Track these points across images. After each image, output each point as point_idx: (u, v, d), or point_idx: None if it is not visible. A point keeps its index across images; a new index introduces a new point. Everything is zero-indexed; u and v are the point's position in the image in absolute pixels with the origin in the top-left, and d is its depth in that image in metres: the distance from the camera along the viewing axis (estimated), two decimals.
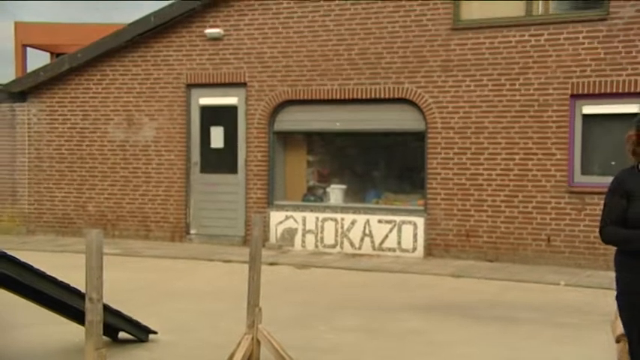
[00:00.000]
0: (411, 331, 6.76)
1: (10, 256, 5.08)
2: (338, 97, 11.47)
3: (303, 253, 11.46)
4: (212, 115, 12.42)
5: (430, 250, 11.00)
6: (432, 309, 7.74)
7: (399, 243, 11.15)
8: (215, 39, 12.14)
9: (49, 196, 13.34)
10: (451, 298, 8.34)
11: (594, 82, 10.11)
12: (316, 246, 11.61)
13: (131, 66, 12.77)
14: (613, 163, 10.19)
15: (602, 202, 10.56)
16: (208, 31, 12.13)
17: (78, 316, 5.38)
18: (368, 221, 11.33)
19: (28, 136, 13.42)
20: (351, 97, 11.39)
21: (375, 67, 11.22)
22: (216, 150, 12.41)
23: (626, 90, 9.96)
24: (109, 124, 12.94)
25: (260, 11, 11.88)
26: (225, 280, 9.36)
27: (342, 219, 11.48)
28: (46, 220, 13.37)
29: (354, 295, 8.50)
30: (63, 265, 6.99)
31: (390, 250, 11.18)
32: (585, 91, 10.17)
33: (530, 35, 10.42)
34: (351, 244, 11.41)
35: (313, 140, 12.48)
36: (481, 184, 10.71)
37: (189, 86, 12.44)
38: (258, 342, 5.33)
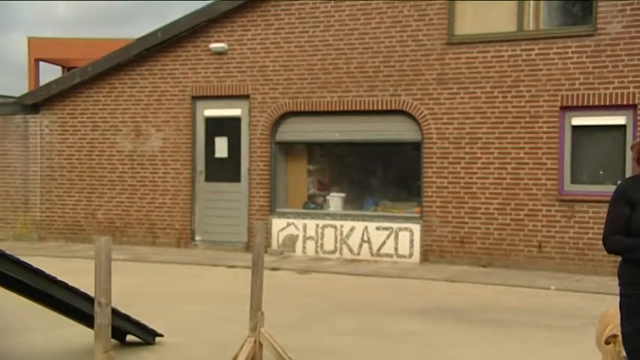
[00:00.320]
0: (408, 334, 6.75)
1: (23, 261, 5.08)
2: (337, 109, 11.49)
3: (304, 258, 11.45)
4: (216, 126, 12.43)
5: (426, 256, 10.98)
6: (428, 312, 7.72)
7: (396, 249, 11.14)
8: (219, 53, 12.17)
9: (60, 204, 13.34)
10: (446, 302, 8.32)
11: (583, 94, 10.13)
12: (316, 252, 11.60)
13: (139, 79, 12.79)
14: (601, 172, 10.22)
15: (592, 209, 10.63)
16: (213, 45, 12.16)
17: (87, 320, 5.36)
18: (366, 228, 11.32)
19: (41, 147, 13.43)
20: (349, 108, 11.40)
21: (372, 80, 11.24)
22: (221, 159, 12.41)
23: (613, 102, 9.97)
24: (118, 135, 12.95)
25: (262, 27, 11.91)
26: (228, 284, 9.34)
27: (342, 226, 11.48)
28: (57, 227, 13.37)
29: (353, 299, 8.49)
30: (73, 270, 6.98)
31: (387, 255, 11.17)
32: (574, 104, 10.18)
33: (522, 50, 10.44)
34: (350, 250, 11.40)
35: (313, 150, 12.48)
36: (475, 193, 10.71)
37: (195, 98, 12.46)
38: (261, 344, 5.32)
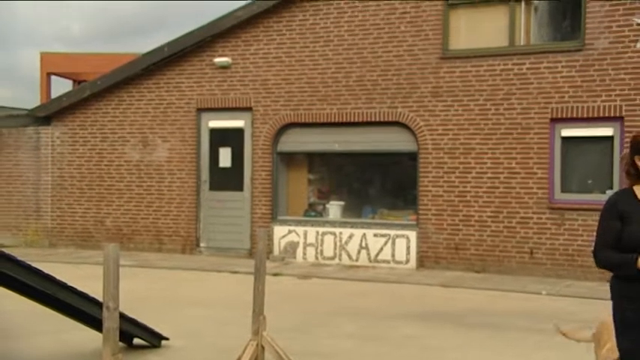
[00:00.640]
0: (406, 337, 6.72)
1: (34, 267, 5.07)
2: (336, 121, 11.49)
3: (305, 264, 11.42)
4: (220, 137, 12.43)
5: (422, 262, 10.96)
6: (424, 317, 7.70)
7: (393, 255, 11.11)
8: (223, 67, 12.18)
9: (70, 212, 13.32)
10: (442, 307, 8.30)
11: (572, 107, 10.13)
12: (316, 258, 11.57)
13: (146, 92, 12.80)
14: (590, 181, 10.21)
15: (581, 217, 10.61)
16: (217, 60, 12.18)
17: (96, 323, 5.34)
18: (364, 235, 11.30)
19: (52, 157, 13.43)
20: (348, 120, 11.41)
21: (370, 93, 11.25)
22: (224, 169, 12.41)
23: (601, 115, 9.98)
24: (126, 146, 12.95)
25: (265, 42, 11.93)
26: (232, 289, 9.31)
27: (341, 233, 11.46)
28: (67, 234, 13.34)
29: (351, 304, 8.46)
30: (82, 275, 6.96)
31: (384, 262, 11.15)
32: (564, 116, 10.19)
33: (513, 64, 10.46)
34: (349, 257, 11.38)
35: (314, 160, 12.48)
36: (469, 201, 10.70)
37: (200, 110, 12.46)
38: (263, 348, 5.30)
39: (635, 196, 3.44)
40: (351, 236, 11.39)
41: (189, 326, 7.00)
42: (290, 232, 11.78)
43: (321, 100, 11.56)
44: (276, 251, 11.78)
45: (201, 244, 12.52)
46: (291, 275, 10.37)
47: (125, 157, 12.95)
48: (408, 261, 11.02)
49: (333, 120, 11.51)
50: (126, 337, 5.90)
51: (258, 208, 12.03)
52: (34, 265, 5.17)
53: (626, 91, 9.86)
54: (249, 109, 12.08)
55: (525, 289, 9.34)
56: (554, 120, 10.26)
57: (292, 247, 11.74)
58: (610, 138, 10.02)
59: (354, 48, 11.34)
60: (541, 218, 10.29)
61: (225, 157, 12.40)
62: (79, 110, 13.27)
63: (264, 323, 5.30)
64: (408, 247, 11.02)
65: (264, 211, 11.99)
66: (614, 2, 9.90)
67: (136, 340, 6.12)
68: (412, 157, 11.18)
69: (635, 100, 9.82)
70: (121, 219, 12.97)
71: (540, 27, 11.15)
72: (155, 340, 6.16)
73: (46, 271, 5.23)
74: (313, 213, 12.09)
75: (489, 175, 10.59)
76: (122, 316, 4.81)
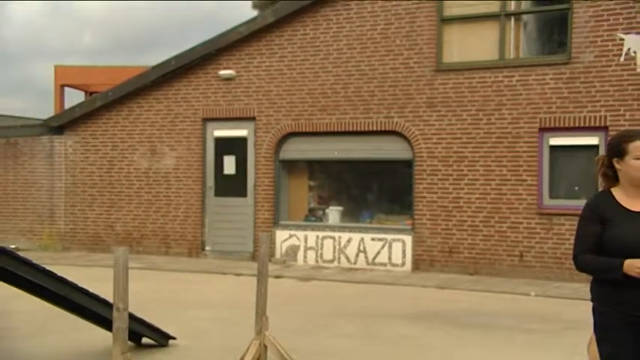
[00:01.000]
0: (402, 337, 6.70)
1: (48, 270, 5.06)
2: (336, 130, 11.49)
3: (305, 267, 11.40)
4: (225, 146, 12.43)
5: (417, 265, 10.94)
6: (420, 317, 7.68)
7: (389, 258, 11.10)
8: (228, 79, 12.19)
9: (83, 217, 13.31)
10: (437, 308, 8.28)
11: (559, 117, 10.14)
12: (316, 261, 11.55)
13: (154, 103, 12.81)
14: (577, 188, 10.21)
15: (568, 222, 10.58)
16: (222, 72, 12.19)
17: (106, 323, 5.33)
18: (362, 239, 11.29)
19: (65, 165, 13.43)
20: (347, 129, 11.41)
21: (368, 104, 11.26)
22: (229, 176, 12.40)
23: (587, 124, 9.99)
24: (135, 154, 12.95)
25: (267, 55, 11.95)
26: (236, 291, 9.30)
27: (340, 237, 11.44)
28: (80, 238, 13.33)
29: (350, 305, 8.44)
30: (93, 277, 6.94)
31: (381, 264, 11.13)
32: (552, 125, 10.20)
33: (504, 76, 10.47)
34: (348, 260, 11.36)
35: (314, 167, 12.48)
36: (462, 207, 10.69)
37: (205, 120, 12.47)
38: (265, 347, 5.28)
39: (614, 198, 3.26)
40: (349, 240, 11.37)
41: (194, 326, 6.98)
42: (291, 236, 11.76)
43: (321, 110, 11.57)
44: (278, 254, 11.76)
45: (207, 248, 12.50)
46: (292, 277, 10.35)
47: (134, 165, 12.95)
48: (404, 264, 11.00)
49: (332, 129, 11.51)
50: (135, 336, 5.88)
51: (260, 214, 12.02)
52: (48, 267, 5.16)
53: (611, 102, 9.88)
54: (252, 118, 12.09)
55: (516, 290, 9.32)
56: (543, 129, 10.27)
57: (293, 250, 11.72)
58: (595, 147, 10.02)
59: (352, 61, 11.36)
60: (530, 223, 10.28)
61: (229, 165, 12.40)
62: (90, 120, 13.27)
63: (267, 323, 5.29)
64: (404, 251, 11.01)
65: (266, 216, 11.98)
66: (598, 18, 9.93)
67: (145, 340, 6.10)
68: (408, 164, 11.18)
69: (619, 110, 9.83)
70: (130, 224, 12.96)
71: (529, 41, 11.17)
72: (163, 339, 6.15)
73: (59, 273, 5.22)
74: (313, 218, 12.08)
75: (481, 181, 10.58)
76: (131, 317, 4.80)
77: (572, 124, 10.07)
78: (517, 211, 10.37)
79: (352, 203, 12.04)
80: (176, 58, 12.48)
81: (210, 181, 12.51)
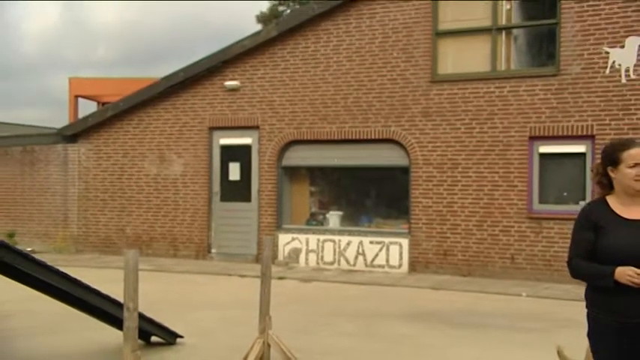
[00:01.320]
0: (400, 336, 6.68)
1: (64, 273, 5.06)
2: (336, 138, 11.50)
3: (307, 269, 11.38)
4: (230, 153, 12.44)
5: (414, 267, 10.93)
6: (416, 316, 7.66)
7: (387, 260, 11.08)
8: (233, 90, 12.21)
9: (95, 221, 13.30)
10: (433, 308, 8.26)
11: (548, 126, 10.14)
12: (317, 263, 11.54)
13: (163, 112, 12.82)
14: (565, 193, 10.20)
15: (557, 226, 10.56)
16: (227, 83, 12.21)
17: (117, 323, 5.32)
18: (361, 242, 11.27)
19: (78, 171, 13.43)
20: (346, 137, 11.42)
21: (366, 113, 11.27)
22: (234, 182, 12.40)
23: (575, 133, 9.99)
24: (145, 161, 12.95)
25: (270, 67, 11.96)
26: (240, 292, 9.28)
27: (340, 240, 11.43)
28: (92, 241, 13.32)
29: (350, 305, 8.42)
30: (105, 279, 6.93)
31: (379, 266, 11.11)
32: (541, 134, 10.19)
33: (496, 87, 10.48)
34: (347, 262, 11.34)
35: (315, 174, 12.47)
36: (456, 211, 10.68)
37: (212, 129, 12.48)
38: (269, 345, 5.27)
39: (609, 206, 3.16)
40: (349, 243, 11.36)
41: (201, 325, 6.97)
42: (293, 239, 11.75)
43: (322, 119, 11.58)
44: (280, 257, 11.75)
45: (213, 250, 12.49)
46: (294, 279, 10.33)
47: (144, 172, 12.95)
48: (401, 266, 10.98)
49: (332, 137, 11.51)
50: (144, 335, 5.87)
51: (264, 218, 12.01)
52: (62, 269, 5.16)
53: (597, 112, 9.88)
54: (256, 127, 12.10)
55: (507, 291, 9.30)
56: (533, 138, 10.26)
57: (295, 253, 11.71)
58: (583, 154, 10.02)
59: (352, 72, 11.37)
60: (521, 227, 10.27)
61: (234, 171, 12.40)
62: (102, 129, 13.29)
63: (270, 323, 5.28)
64: (401, 253, 10.99)
65: (269, 220, 11.97)
66: (585, 33, 9.94)
67: (154, 338, 6.09)
68: (404, 171, 11.18)
69: (604, 120, 9.83)
70: (140, 227, 12.95)
71: (519, 54, 11.19)
72: (171, 338, 6.13)
73: (72, 274, 5.21)
74: (314, 222, 12.07)
75: (474, 187, 10.58)
76: (141, 316, 4.79)
77: (560, 133, 10.07)
78: (508, 215, 10.35)
79: (352, 208, 12.03)
80: (184, 70, 12.50)
81: (216, 187, 12.51)
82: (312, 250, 11.60)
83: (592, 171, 3.32)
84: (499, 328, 7.09)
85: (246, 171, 12.29)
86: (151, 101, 12.86)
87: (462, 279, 10.32)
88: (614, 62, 9.77)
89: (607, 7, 9.84)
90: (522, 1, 10.97)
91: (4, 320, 6.77)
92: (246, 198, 12.25)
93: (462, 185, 10.64)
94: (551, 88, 10.13)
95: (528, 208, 10.25)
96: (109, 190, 13.21)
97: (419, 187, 10.92)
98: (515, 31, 10.98)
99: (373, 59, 11.21)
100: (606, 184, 3.23)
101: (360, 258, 11.25)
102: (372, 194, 12.12)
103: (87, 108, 20.75)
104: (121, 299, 4.40)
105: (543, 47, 10.88)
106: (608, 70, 9.82)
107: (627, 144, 3.16)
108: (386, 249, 11.10)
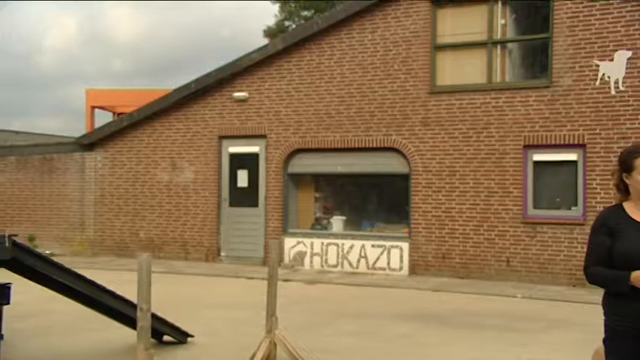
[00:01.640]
0: (400, 335, 6.68)
1: (81, 275, 5.08)
2: (339, 146, 11.51)
3: (311, 271, 11.38)
4: (238, 161, 12.46)
5: (413, 269, 10.91)
6: (416, 317, 7.65)
7: (388, 263, 11.07)
8: (241, 100, 12.25)
9: (110, 226, 13.34)
10: (431, 308, 8.25)
11: (542, 135, 10.14)
12: (322, 266, 11.53)
13: (175, 122, 12.87)
14: (558, 199, 10.19)
15: (551, 230, 10.55)
16: (236, 94, 12.25)
17: (130, 322, 5.34)
18: (363, 246, 11.27)
19: (95, 178, 13.48)
20: (349, 146, 11.43)
21: (368, 123, 11.29)
22: (242, 188, 12.42)
23: (567, 142, 9.99)
24: (157, 168, 13.00)
25: (277, 79, 12.01)
26: (248, 293, 9.28)
27: (343, 244, 11.43)
28: (107, 244, 13.35)
29: (352, 306, 8.42)
30: (119, 280, 6.95)
31: (381, 269, 11.10)
32: (535, 143, 10.19)
33: (491, 98, 10.49)
34: (350, 264, 11.34)
35: (319, 180, 12.49)
36: (454, 216, 10.68)
37: (221, 138, 12.51)
38: (275, 344, 5.28)
39: (625, 211, 3.02)
40: (351, 247, 11.36)
41: (211, 325, 6.97)
42: (298, 243, 11.75)
43: (326, 128, 11.60)
44: (286, 260, 11.75)
45: (222, 254, 12.50)
46: (299, 281, 10.33)
47: (157, 178, 12.99)
48: (401, 268, 10.97)
49: (336, 146, 11.53)
50: (157, 334, 5.88)
51: (271, 222, 12.02)
52: (80, 271, 5.19)
53: (588, 122, 9.88)
54: (263, 136, 12.13)
55: (503, 292, 9.28)
56: (527, 146, 10.26)
57: (300, 256, 11.71)
58: (574, 162, 10.01)
59: (354, 84, 11.40)
60: (516, 231, 10.25)
61: (242, 178, 12.43)
62: (118, 138, 13.34)
63: (276, 322, 5.29)
64: (401, 256, 10.98)
65: (276, 225, 11.98)
66: (576, 47, 9.96)
67: (166, 337, 6.10)
68: (404, 178, 11.18)
69: (595, 129, 9.83)
70: (152, 231, 12.98)
71: (514, 67, 11.21)
72: (182, 337, 6.15)
73: (89, 276, 5.24)
74: (319, 226, 12.07)
75: (471, 193, 10.57)
76: (154, 316, 4.81)
77: (553, 142, 10.06)
78: (504, 220, 10.34)
79: (354, 213, 12.03)
80: (195, 81, 12.55)
81: (225, 193, 12.53)
82: (316, 254, 11.60)
83: (612, 175, 3.18)
84: (495, 327, 7.08)
85: (253, 178, 12.31)
86: (164, 111, 12.91)
87: (460, 281, 10.30)
88: (603, 75, 9.78)
89: (597, 22, 9.85)
90: (517, 16, 11.00)
91: (24, 320, 6.80)
92: (254, 203, 12.27)
93: (460, 191, 10.64)
94: (544, 99, 10.14)
95: (523, 214, 10.24)
96: (123, 196, 13.24)
97: (418, 194, 10.92)
98: (510, 45, 11.00)
99: (375, 71, 11.24)
100: (623, 190, 3.08)
101: (363, 261, 11.25)
102: (373, 200, 12.12)
103: (103, 118, 20.83)
104: (134, 300, 4.42)
105: (537, 60, 10.89)
106: (598, 82, 9.82)
107: (639, 151, 3.03)
108: (387, 252, 11.09)
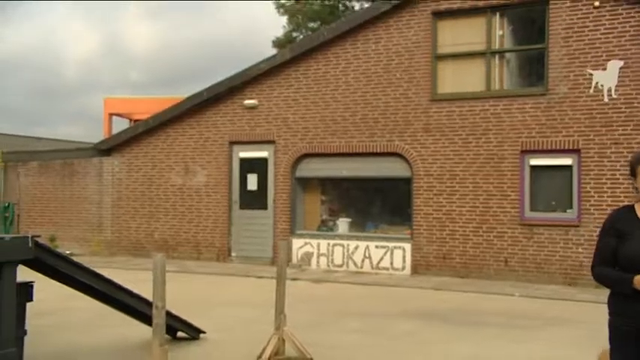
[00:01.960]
0: (403, 332, 6.66)
1: (99, 273, 5.09)
2: (344, 151, 11.51)
3: (318, 271, 11.37)
4: (248, 165, 12.48)
5: (416, 269, 10.88)
6: (419, 315, 7.62)
7: (391, 263, 11.04)
8: (251, 107, 12.27)
9: (126, 227, 13.37)
10: (434, 307, 8.22)
11: (538, 141, 10.11)
12: (328, 266, 11.52)
13: (188, 128, 12.90)
14: (553, 202, 10.14)
15: (547, 231, 10.51)
16: (246, 101, 12.27)
17: (146, 319, 5.34)
18: (368, 246, 11.25)
19: (112, 182, 13.52)
20: (354, 151, 11.43)
21: (372, 129, 11.28)
22: (252, 192, 12.43)
23: (562, 147, 9.95)
24: (171, 172, 13.03)
25: (285, 87, 12.02)
26: (257, 292, 9.27)
27: (348, 244, 11.41)
28: (124, 245, 13.38)
29: (357, 304, 8.40)
30: (135, 279, 6.96)
31: (384, 269, 11.07)
32: (532, 148, 10.16)
33: (490, 105, 10.47)
34: (355, 264, 11.32)
35: (325, 184, 12.48)
36: (454, 218, 10.64)
37: (232, 143, 12.53)
38: (283, 340, 5.28)
39: (635, 212, 2.93)
40: (356, 247, 11.34)
41: (222, 322, 6.97)
42: (306, 243, 11.74)
43: (332, 134, 11.60)
44: (294, 260, 11.74)
45: (233, 254, 12.50)
46: (306, 280, 10.32)
47: (171, 182, 13.02)
48: (404, 268, 10.94)
49: (341, 151, 11.52)
50: (171, 330, 5.89)
51: (279, 224, 12.02)
52: (97, 270, 5.20)
53: (582, 129, 9.84)
54: (272, 142, 12.14)
55: (501, 291, 9.24)
56: (524, 151, 10.23)
57: (308, 256, 11.70)
58: (569, 167, 9.97)
59: (359, 92, 11.40)
60: (514, 232, 10.21)
61: (252, 182, 12.44)
62: (134, 144, 13.38)
63: (285, 320, 5.28)
64: (404, 257, 10.95)
65: (284, 226, 11.97)
66: (571, 57, 9.93)
67: (179, 333, 6.10)
68: (407, 181, 11.16)
69: (589, 135, 9.79)
70: (167, 232, 13.00)
71: (512, 76, 11.18)
72: (195, 333, 6.15)
73: (107, 275, 5.25)
74: (325, 228, 12.06)
75: (471, 196, 10.54)
76: (168, 313, 4.82)
77: (549, 147, 10.03)
78: (502, 222, 10.30)
79: (359, 215, 12.01)
80: (207, 90, 12.59)
81: (236, 196, 12.54)
82: (322, 254, 11.58)
83: (629, 177, 3.08)
84: (494, 325, 7.04)
85: (262, 181, 12.32)
86: (177, 118, 12.94)
87: (460, 280, 10.26)
88: (597, 83, 9.74)
89: (590, 33, 9.83)
90: (514, 27, 10.98)
91: (44, 316, 6.82)
92: (263, 206, 12.27)
93: (460, 195, 10.61)
94: (540, 106, 10.11)
95: (520, 216, 10.20)
96: (139, 199, 13.28)
97: (420, 197, 10.90)
98: (507, 55, 10.97)
99: (378, 80, 11.24)
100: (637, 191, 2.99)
101: (367, 261, 11.23)
102: (377, 203, 12.11)
103: (120, 125, 20.89)
104: (150, 298, 4.43)
105: (533, 69, 10.87)
106: (592, 90, 9.78)
107: None
108: (390, 253, 11.06)
